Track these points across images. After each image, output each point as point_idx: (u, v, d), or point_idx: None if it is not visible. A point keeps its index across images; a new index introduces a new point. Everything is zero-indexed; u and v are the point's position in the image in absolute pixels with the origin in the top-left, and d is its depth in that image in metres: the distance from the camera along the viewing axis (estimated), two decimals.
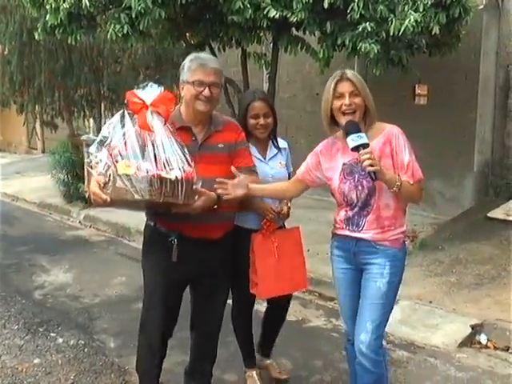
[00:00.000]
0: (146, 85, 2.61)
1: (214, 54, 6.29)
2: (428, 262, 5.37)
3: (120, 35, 5.00)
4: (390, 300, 2.80)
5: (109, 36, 5.01)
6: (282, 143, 3.44)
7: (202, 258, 2.83)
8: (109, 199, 2.40)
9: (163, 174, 2.38)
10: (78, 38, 5.29)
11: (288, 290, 3.37)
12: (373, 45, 4.78)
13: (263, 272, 3.19)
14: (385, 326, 2.82)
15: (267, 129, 3.27)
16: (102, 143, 2.49)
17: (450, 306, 4.47)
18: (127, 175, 2.35)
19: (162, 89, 2.62)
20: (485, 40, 6.76)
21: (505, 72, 6.90)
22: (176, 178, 2.40)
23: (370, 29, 4.76)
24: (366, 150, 2.53)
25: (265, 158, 3.33)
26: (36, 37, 5.49)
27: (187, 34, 6.16)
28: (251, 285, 3.22)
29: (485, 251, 5.45)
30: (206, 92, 2.72)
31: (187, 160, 2.49)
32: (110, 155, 2.42)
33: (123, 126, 2.51)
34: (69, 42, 5.37)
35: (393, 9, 4.87)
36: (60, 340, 4.18)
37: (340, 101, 2.68)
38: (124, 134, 2.48)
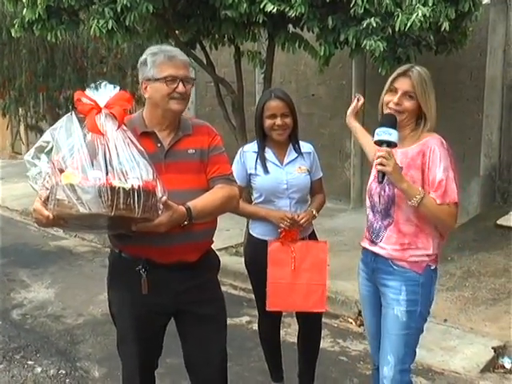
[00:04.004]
0: (99, 84, 2.17)
1: (205, 52, 5.93)
2: (438, 275, 4.98)
3: (104, 31, 4.60)
4: (412, 331, 2.46)
5: (92, 32, 4.62)
6: (307, 147, 3.15)
7: (178, 286, 2.36)
8: (51, 216, 1.97)
9: (115, 183, 1.95)
10: (59, 34, 4.87)
11: (300, 308, 3.08)
12: (378, 42, 4.40)
13: (274, 282, 2.96)
14: (412, 358, 2.50)
15: (285, 130, 3.00)
16: (41, 150, 2.06)
17: (467, 325, 4.11)
18: (71, 185, 1.91)
19: (118, 89, 2.20)
20: (491, 37, 6.42)
21: None
22: (132, 186, 1.96)
23: (375, 24, 4.39)
24: (384, 148, 2.27)
25: (282, 163, 3.04)
26: (13, 34, 5.05)
27: (177, 31, 5.75)
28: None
29: (498, 262, 5.09)
30: (181, 88, 2.27)
31: (147, 168, 2.07)
32: (53, 163, 2.00)
33: (70, 131, 2.07)
34: (49, 38, 4.95)
35: (399, 2, 4.50)
36: (38, 369, 3.77)
37: (391, 96, 2.39)
38: (71, 141, 2.05)
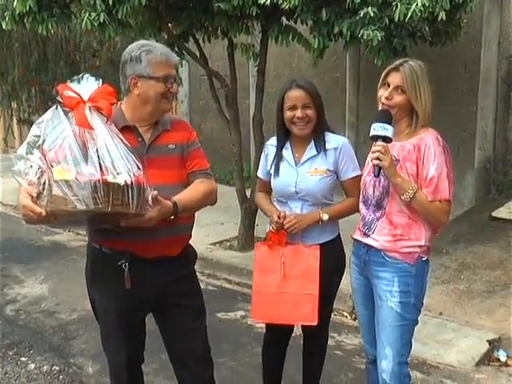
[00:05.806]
0: (82, 77, 2.15)
1: (198, 45, 5.88)
2: (433, 268, 4.94)
3: (96, 24, 4.56)
4: (407, 322, 2.47)
5: (83, 25, 4.57)
6: (335, 142, 2.75)
7: (160, 280, 2.38)
8: (44, 212, 1.93)
9: (109, 179, 1.94)
10: (50, 27, 4.82)
11: (288, 320, 2.78)
12: (376, 31, 4.35)
13: (260, 290, 2.76)
14: (408, 350, 2.51)
15: (307, 123, 2.70)
16: (33, 144, 2.03)
17: (463, 318, 4.10)
18: (66, 181, 1.89)
19: (100, 82, 2.18)
20: (486, 29, 6.40)
21: (507, 63, 6.47)
22: (125, 182, 1.97)
23: (372, 14, 4.33)
24: (380, 143, 2.32)
25: (297, 163, 2.77)
26: (3, 26, 5.00)
27: (169, 24, 5.70)
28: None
29: (493, 254, 5.08)
30: (175, 88, 2.35)
31: (136, 163, 2.07)
32: (45, 158, 1.96)
33: (57, 125, 2.05)
34: (40, 31, 4.90)
35: None
36: (32, 366, 3.75)
37: (384, 90, 2.43)
38: (59, 135, 2.02)
